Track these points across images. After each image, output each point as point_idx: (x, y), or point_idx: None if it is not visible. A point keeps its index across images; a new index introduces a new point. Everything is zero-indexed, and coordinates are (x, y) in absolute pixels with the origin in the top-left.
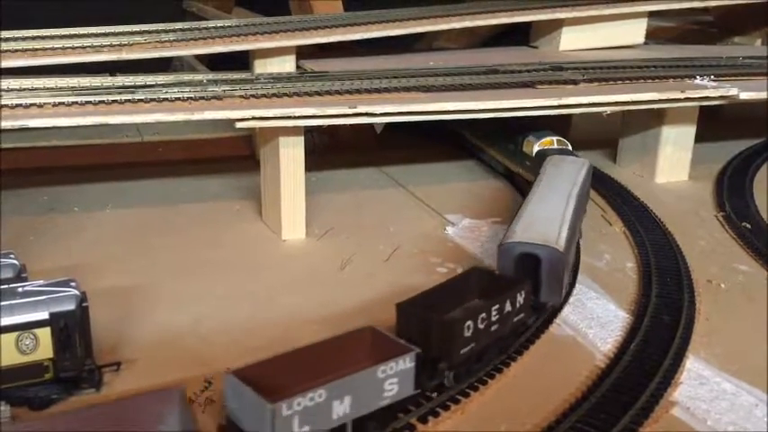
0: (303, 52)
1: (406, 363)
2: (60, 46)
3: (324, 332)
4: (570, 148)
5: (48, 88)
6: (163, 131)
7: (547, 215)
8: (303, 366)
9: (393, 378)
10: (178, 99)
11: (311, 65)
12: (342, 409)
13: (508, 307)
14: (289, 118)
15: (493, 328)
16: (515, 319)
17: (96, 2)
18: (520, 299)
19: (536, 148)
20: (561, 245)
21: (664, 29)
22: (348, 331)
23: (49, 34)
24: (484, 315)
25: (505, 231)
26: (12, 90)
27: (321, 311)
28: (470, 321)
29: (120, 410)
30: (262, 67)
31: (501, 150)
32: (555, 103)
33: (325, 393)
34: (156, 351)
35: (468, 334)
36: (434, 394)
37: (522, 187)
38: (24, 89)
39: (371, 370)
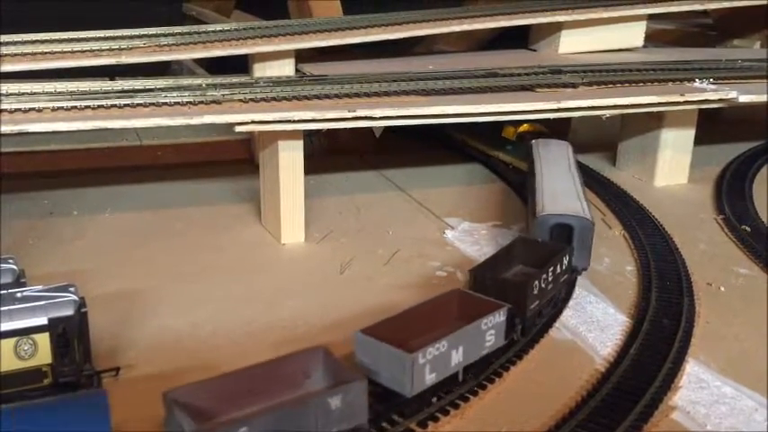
0: (302, 56)
1: (501, 316)
2: (59, 50)
3: (325, 335)
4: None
5: (47, 93)
6: (162, 135)
7: (562, 190)
8: (414, 324)
9: (491, 330)
10: (177, 103)
11: (310, 68)
12: (457, 357)
13: (558, 269)
14: (288, 122)
15: (549, 287)
16: (562, 280)
17: (96, 5)
18: (565, 262)
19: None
20: (589, 215)
21: (663, 31)
22: (439, 294)
23: (48, 38)
24: (544, 276)
25: (532, 206)
26: (11, 95)
27: (322, 315)
28: (537, 282)
29: (270, 369)
30: (261, 70)
31: (479, 136)
32: (554, 106)
33: (446, 344)
34: (156, 356)
35: (535, 293)
36: (434, 399)
37: (499, 170)
38: (23, 93)
39: (477, 323)
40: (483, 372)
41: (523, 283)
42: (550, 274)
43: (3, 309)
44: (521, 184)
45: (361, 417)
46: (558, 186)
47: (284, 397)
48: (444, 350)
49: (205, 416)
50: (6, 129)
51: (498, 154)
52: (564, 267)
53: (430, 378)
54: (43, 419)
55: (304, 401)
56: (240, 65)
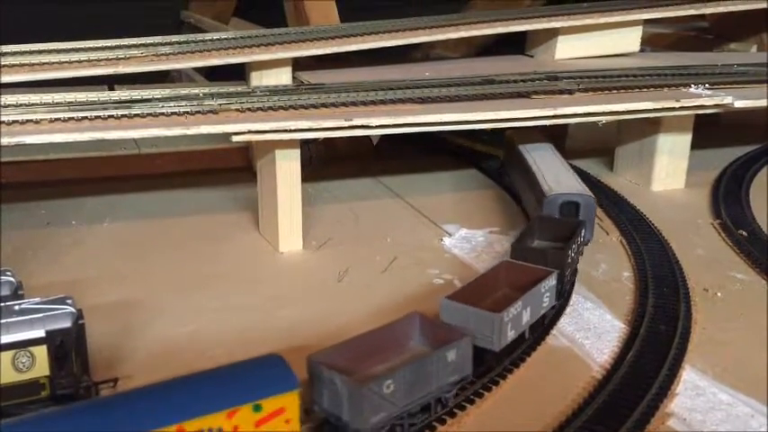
0: (299, 63)
1: (553, 280)
2: (57, 60)
3: (325, 343)
4: None
5: (44, 103)
6: (160, 144)
7: (561, 175)
8: (476, 294)
9: (547, 293)
10: (174, 113)
11: (307, 76)
12: (526, 316)
13: (580, 240)
14: (284, 131)
15: (575, 257)
16: (580, 250)
17: (94, 14)
18: (583, 234)
19: None
20: (590, 193)
21: (659, 36)
22: (489, 268)
23: (45, 48)
24: (573, 246)
25: (538, 187)
26: (9, 106)
27: (320, 323)
28: (572, 252)
29: (381, 334)
30: (258, 78)
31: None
32: (550, 113)
33: (521, 304)
34: (154, 366)
35: (569, 261)
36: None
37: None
38: (21, 105)
39: (539, 285)
40: (538, 330)
41: (562, 252)
42: (576, 244)
43: (1, 322)
44: (498, 173)
45: (467, 369)
46: (556, 173)
47: (398, 356)
48: (519, 310)
49: (344, 374)
50: (4, 141)
51: (475, 144)
52: (582, 239)
53: (510, 334)
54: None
55: (430, 356)
56: (239, 71)
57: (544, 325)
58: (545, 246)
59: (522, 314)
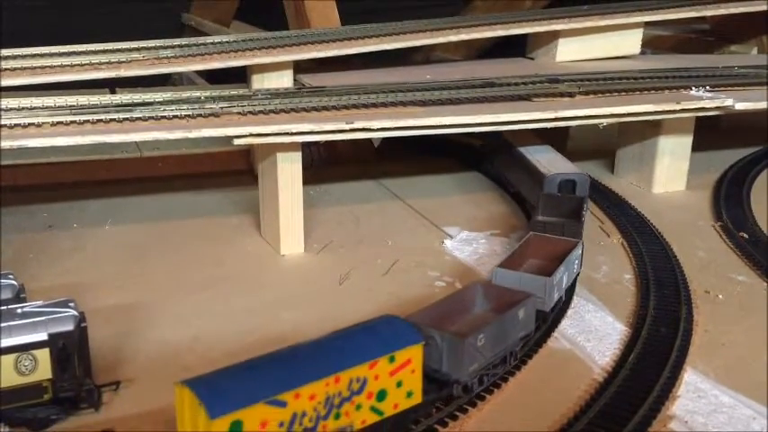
0: (301, 66)
1: (579, 249)
2: (59, 64)
3: None
4: None
5: (46, 107)
6: (162, 147)
7: (556, 161)
8: (518, 261)
9: (576, 260)
10: (176, 117)
11: (309, 79)
12: (564, 280)
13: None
14: (286, 134)
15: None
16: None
17: (95, 17)
18: (586, 210)
19: None
20: (582, 171)
21: (660, 38)
22: (521, 242)
23: (47, 52)
24: (583, 219)
25: (535, 170)
26: (10, 109)
27: (321, 326)
28: (584, 224)
29: (453, 301)
30: (259, 81)
31: None
32: (551, 116)
33: (563, 269)
34: (156, 369)
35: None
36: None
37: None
38: (23, 108)
39: (572, 254)
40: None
41: (579, 224)
42: (584, 217)
43: (3, 325)
44: (477, 160)
45: (531, 326)
46: (551, 159)
47: (465, 321)
48: (561, 274)
49: None
50: (6, 144)
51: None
52: (586, 212)
53: (557, 295)
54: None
55: (508, 313)
56: (240, 74)
57: (573, 287)
58: (559, 220)
59: (562, 278)
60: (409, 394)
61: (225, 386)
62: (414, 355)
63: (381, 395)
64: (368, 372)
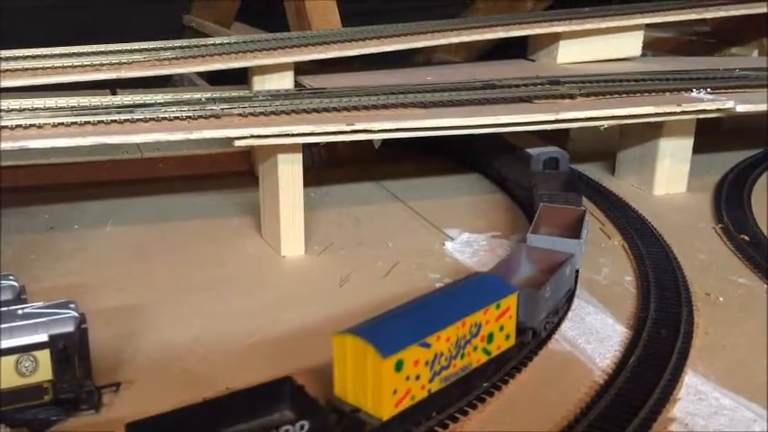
0: (301, 68)
1: (587, 216)
2: (60, 65)
3: (326, 348)
4: None
5: (47, 108)
6: (163, 148)
7: (541, 147)
8: (541, 227)
9: (588, 225)
10: (177, 118)
11: (309, 81)
12: (582, 241)
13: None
14: (286, 136)
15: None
16: None
17: (96, 18)
18: (577, 186)
19: None
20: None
21: (661, 40)
22: (537, 213)
23: (48, 53)
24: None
25: (522, 152)
26: (11, 110)
27: (321, 328)
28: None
29: (506, 264)
30: (260, 83)
31: None
32: (552, 117)
33: (585, 231)
34: (156, 371)
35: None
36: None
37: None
38: (24, 109)
39: (586, 220)
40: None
41: (579, 195)
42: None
43: (4, 326)
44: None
45: (572, 282)
46: (537, 147)
47: (515, 280)
48: (585, 236)
49: None
50: (7, 146)
51: None
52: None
53: (582, 254)
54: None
55: (560, 269)
56: (241, 75)
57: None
58: (559, 192)
59: (584, 242)
60: (507, 337)
61: (384, 332)
62: (511, 303)
63: (490, 338)
64: (482, 317)
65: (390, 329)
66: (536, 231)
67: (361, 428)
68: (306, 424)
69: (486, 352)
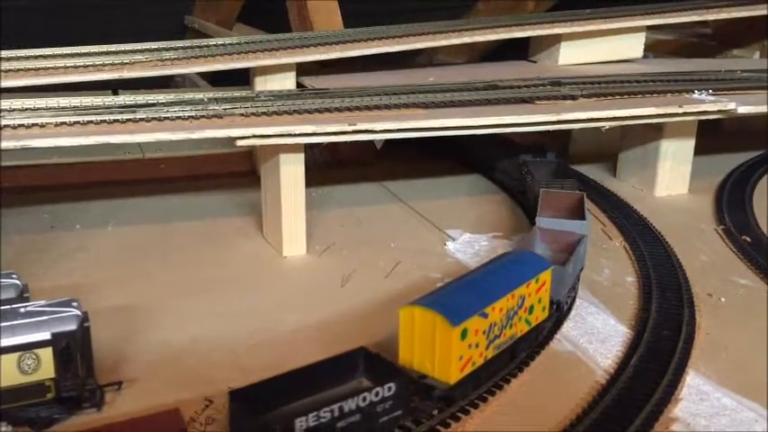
0: (303, 68)
1: (585, 198)
2: (62, 65)
3: (326, 349)
4: None
5: (50, 108)
6: (165, 148)
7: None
8: (546, 210)
9: (587, 204)
10: (179, 118)
11: (311, 81)
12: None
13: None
14: (288, 136)
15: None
16: None
17: (98, 19)
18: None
19: None
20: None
21: (662, 42)
22: (540, 197)
23: (50, 53)
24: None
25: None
26: (14, 110)
27: (323, 328)
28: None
29: (522, 245)
30: (262, 83)
31: None
32: (554, 118)
33: (587, 215)
34: (158, 370)
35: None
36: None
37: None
38: (26, 109)
39: (585, 202)
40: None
41: (573, 181)
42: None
43: (6, 324)
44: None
45: (584, 261)
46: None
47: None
48: (588, 220)
49: None
50: (9, 144)
51: None
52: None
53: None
54: None
55: (577, 249)
56: (243, 75)
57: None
58: (554, 179)
59: (588, 223)
60: (543, 309)
61: (449, 304)
62: (547, 277)
63: (531, 309)
64: (525, 290)
65: (453, 301)
66: (542, 216)
67: (430, 393)
68: (392, 385)
69: (528, 322)
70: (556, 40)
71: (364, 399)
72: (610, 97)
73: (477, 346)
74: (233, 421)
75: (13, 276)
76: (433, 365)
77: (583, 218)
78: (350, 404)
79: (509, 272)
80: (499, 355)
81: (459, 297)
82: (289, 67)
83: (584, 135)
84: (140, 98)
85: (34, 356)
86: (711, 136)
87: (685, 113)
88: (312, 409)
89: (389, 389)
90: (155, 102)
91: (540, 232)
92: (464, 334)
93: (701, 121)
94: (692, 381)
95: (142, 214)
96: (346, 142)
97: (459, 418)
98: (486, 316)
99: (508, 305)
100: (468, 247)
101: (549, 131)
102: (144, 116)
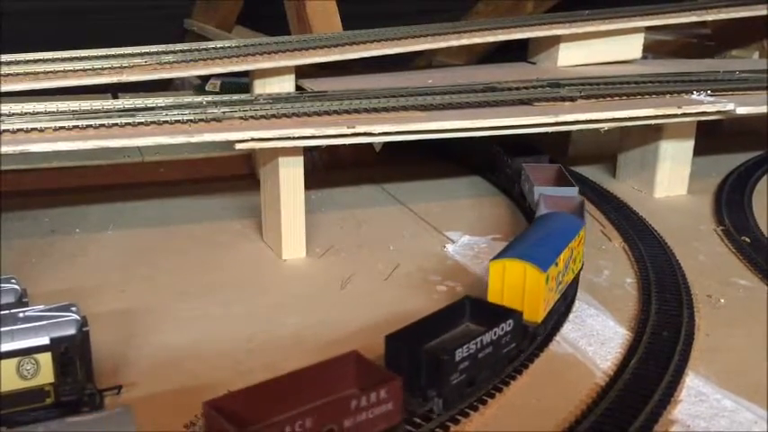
0: (302, 71)
1: (580, 198)
2: (61, 69)
3: (327, 351)
4: None
5: (49, 112)
6: (164, 151)
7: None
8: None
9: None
10: (178, 121)
11: (310, 84)
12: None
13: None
14: (288, 139)
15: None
16: None
17: (97, 22)
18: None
19: None
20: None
21: (661, 43)
22: (526, 171)
23: (49, 57)
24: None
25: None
26: (13, 114)
27: (322, 331)
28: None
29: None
30: (261, 86)
31: None
32: (553, 120)
33: (575, 183)
34: (157, 374)
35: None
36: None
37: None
38: (25, 113)
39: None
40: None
41: (545, 155)
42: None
43: (5, 329)
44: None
45: (583, 221)
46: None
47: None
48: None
49: None
50: (8, 149)
51: None
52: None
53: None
54: None
55: (578, 206)
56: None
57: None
58: (532, 157)
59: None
60: (580, 260)
61: (532, 255)
62: (583, 234)
63: (575, 260)
64: (574, 244)
65: (534, 253)
66: (539, 183)
67: (525, 330)
68: (511, 321)
69: (573, 271)
70: (555, 41)
71: (495, 333)
72: (609, 98)
73: (552, 290)
74: (389, 358)
75: (12, 281)
76: (523, 308)
77: (573, 185)
78: (486, 337)
79: (561, 229)
80: (560, 298)
81: (536, 250)
82: (287, 70)
83: (584, 136)
84: (139, 102)
85: (33, 361)
86: (710, 137)
87: (684, 114)
88: (453, 345)
89: (510, 324)
90: (154, 105)
91: (543, 198)
92: (548, 279)
93: (699, 123)
94: (692, 382)
95: (142, 218)
96: (346, 145)
97: (458, 420)
98: (557, 265)
99: (566, 256)
100: (468, 249)
101: (548, 133)
102: (143, 120)
